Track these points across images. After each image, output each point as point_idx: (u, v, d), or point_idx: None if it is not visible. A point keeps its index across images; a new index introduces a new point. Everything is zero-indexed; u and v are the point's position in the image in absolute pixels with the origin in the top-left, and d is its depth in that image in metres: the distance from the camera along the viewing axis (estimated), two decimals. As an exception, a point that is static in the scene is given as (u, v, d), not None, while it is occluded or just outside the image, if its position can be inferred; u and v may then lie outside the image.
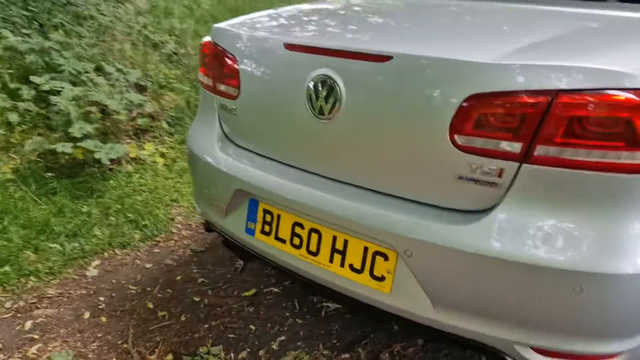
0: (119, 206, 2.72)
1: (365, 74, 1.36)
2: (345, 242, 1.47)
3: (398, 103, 1.33)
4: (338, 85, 1.39)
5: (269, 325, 2.06)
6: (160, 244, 2.60)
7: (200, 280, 2.33)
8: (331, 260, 1.50)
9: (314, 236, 1.53)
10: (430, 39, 1.43)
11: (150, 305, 2.15)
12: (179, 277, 2.35)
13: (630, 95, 1.12)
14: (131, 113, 3.38)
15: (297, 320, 2.08)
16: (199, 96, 4.05)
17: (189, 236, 2.69)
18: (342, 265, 1.48)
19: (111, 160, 2.86)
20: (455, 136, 1.25)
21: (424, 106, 1.29)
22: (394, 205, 1.37)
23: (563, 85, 1.15)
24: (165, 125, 3.60)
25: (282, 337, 1.98)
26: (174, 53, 4.41)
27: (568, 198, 1.18)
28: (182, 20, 5.00)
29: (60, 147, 2.69)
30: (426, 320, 1.37)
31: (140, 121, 3.49)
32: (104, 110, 3.17)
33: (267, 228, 1.65)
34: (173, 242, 2.63)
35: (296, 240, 1.57)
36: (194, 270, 2.40)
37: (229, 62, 1.71)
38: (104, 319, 2.07)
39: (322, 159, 1.52)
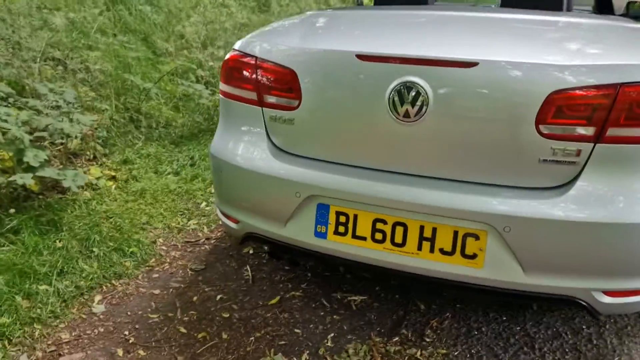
0: (97, 236, 2.51)
1: (453, 79, 1.55)
2: (434, 230, 1.64)
3: (485, 102, 1.54)
4: (425, 90, 1.55)
5: (311, 326, 2.12)
6: (156, 269, 2.48)
7: (218, 297, 2.29)
8: (419, 248, 1.66)
9: (399, 229, 1.67)
10: (497, 46, 1.66)
11: (183, 330, 2.07)
12: (195, 298, 2.28)
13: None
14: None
15: (334, 316, 2.18)
16: (121, 114, 3.87)
17: (180, 257, 2.59)
18: (431, 250, 1.65)
19: (74, 187, 2.62)
20: (540, 126, 1.50)
21: (511, 103, 1.52)
22: (485, 191, 1.58)
23: (624, 79, 1.46)
24: (98, 147, 3.34)
25: (332, 334, 2.07)
26: (79, 70, 4.07)
27: (632, 166, 1.51)
28: (70, 35, 4.60)
29: (19, 178, 2.39)
30: (518, 285, 1.60)
31: (70, 144, 3.21)
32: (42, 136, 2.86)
33: (341, 229, 1.74)
34: (167, 264, 2.52)
35: (378, 236, 1.70)
36: (206, 289, 2.34)
37: (283, 74, 1.76)
38: (142, 352, 1.95)
39: (406, 158, 1.67)
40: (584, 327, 2.13)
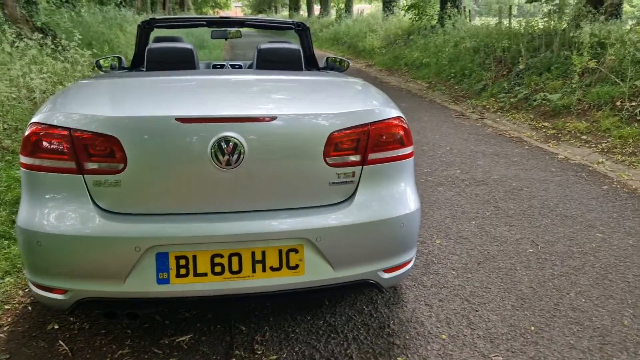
0: None
1: (261, 131, 1.97)
2: (263, 253, 2.01)
3: (286, 146, 2.01)
4: (240, 142, 1.94)
5: (152, 374, 2.22)
6: (-51, 373, 2.17)
7: (41, 379, 2.17)
8: (254, 271, 2.01)
9: (235, 259, 2.00)
10: (286, 102, 2.13)
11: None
12: (14, 389, 2.11)
13: (395, 121, 2.18)
14: None
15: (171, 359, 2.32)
16: None
17: (-27, 353, 2.32)
18: (264, 270, 2.02)
19: None
20: (327, 159, 2.05)
21: (304, 145, 2.02)
22: (297, 214, 2.04)
23: (373, 119, 2.12)
24: None
25: (176, 375, 2.22)
26: None
27: (386, 178, 2.17)
28: None
29: None
30: (331, 280, 2.09)
31: None
32: None
33: (183, 271, 1.97)
34: (-39, 365, 2.23)
35: (218, 269, 1.99)
36: (23, 376, 2.19)
37: (105, 142, 1.91)
38: None
39: (231, 199, 2.00)
40: (364, 307, 2.77)
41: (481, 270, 3.17)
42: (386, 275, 2.21)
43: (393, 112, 2.21)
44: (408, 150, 2.22)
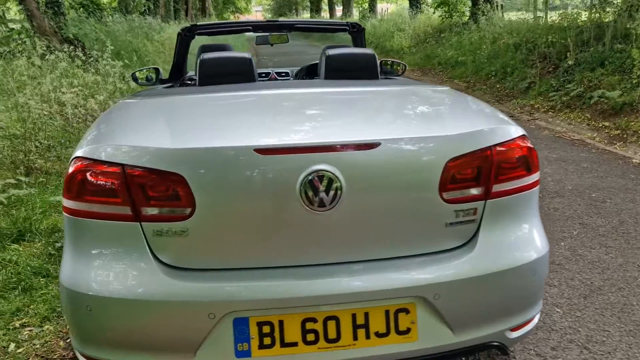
0: None
1: (361, 162, 1.54)
2: (366, 315, 1.59)
3: (393, 180, 1.58)
4: (337, 176, 1.51)
5: None
6: None
7: None
8: (355, 338, 1.59)
9: (331, 323, 1.57)
10: (387, 123, 1.70)
11: None
12: None
13: (520, 141, 1.73)
14: None
15: None
16: None
17: None
18: (367, 337, 1.59)
19: None
20: (443, 193, 1.61)
21: (415, 177, 1.59)
22: (406, 265, 1.61)
23: (495, 141, 1.67)
24: None
25: None
26: None
27: (511, 215, 1.72)
28: None
29: None
30: (449, 346, 1.65)
31: None
32: None
33: (267, 341, 1.56)
34: None
35: (310, 337, 1.57)
36: None
37: (168, 181, 1.51)
38: None
39: (327, 248, 1.58)
40: None
41: (590, 307, 2.69)
42: (513, 335, 1.76)
43: (513, 130, 1.76)
44: (535, 177, 1.77)
